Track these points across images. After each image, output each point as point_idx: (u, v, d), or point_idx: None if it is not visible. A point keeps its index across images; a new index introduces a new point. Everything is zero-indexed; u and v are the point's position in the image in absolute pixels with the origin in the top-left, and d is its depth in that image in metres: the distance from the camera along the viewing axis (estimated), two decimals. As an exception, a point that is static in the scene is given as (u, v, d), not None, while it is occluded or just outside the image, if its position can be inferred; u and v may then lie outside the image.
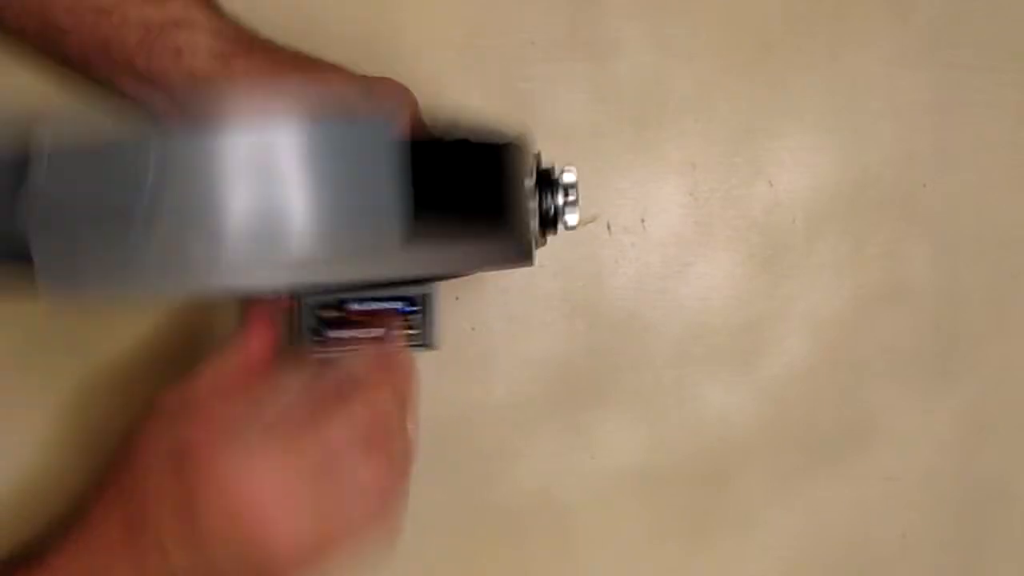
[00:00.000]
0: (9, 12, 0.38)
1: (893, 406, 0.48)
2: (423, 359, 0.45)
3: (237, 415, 0.32)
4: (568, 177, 0.35)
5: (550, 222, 0.35)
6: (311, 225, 0.22)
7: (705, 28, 0.47)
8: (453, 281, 0.45)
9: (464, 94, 0.46)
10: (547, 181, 0.34)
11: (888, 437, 0.48)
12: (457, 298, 0.46)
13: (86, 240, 0.21)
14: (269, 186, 0.21)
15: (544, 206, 0.34)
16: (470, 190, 0.27)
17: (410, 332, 0.40)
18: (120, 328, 0.44)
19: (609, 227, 0.47)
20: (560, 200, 0.34)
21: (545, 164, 0.37)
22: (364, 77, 0.39)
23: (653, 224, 0.47)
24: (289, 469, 0.31)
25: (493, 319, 0.46)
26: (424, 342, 0.40)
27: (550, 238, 0.46)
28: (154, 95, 0.36)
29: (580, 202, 0.35)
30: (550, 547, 0.46)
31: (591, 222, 0.47)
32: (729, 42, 0.47)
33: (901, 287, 0.48)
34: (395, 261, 0.34)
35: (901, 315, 0.48)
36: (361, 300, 0.41)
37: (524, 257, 0.35)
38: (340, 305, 0.41)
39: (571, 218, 0.35)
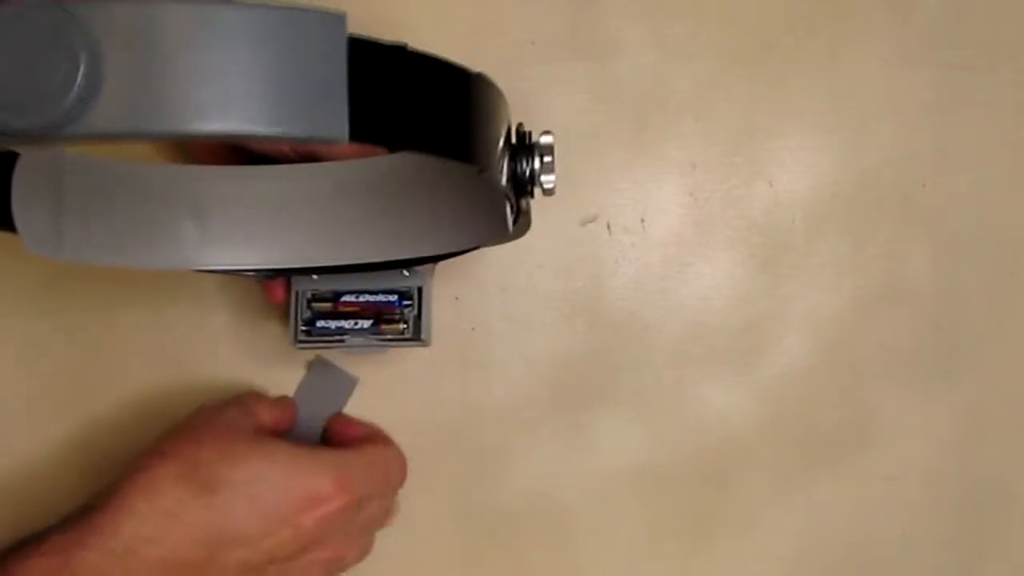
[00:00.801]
0: None
1: (893, 406, 0.48)
2: (423, 359, 0.45)
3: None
4: (545, 139, 0.34)
5: (525, 185, 0.33)
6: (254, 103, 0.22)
7: (705, 28, 0.47)
8: (453, 281, 0.45)
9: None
10: (522, 144, 0.33)
11: (888, 437, 0.48)
12: (457, 298, 0.46)
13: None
14: (208, 55, 0.21)
15: (520, 169, 0.33)
16: (431, 105, 0.26)
17: (402, 327, 0.41)
18: (120, 328, 0.45)
19: (609, 227, 0.47)
20: (536, 163, 0.33)
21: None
22: None
23: (653, 224, 0.47)
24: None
25: (493, 319, 0.46)
26: (415, 336, 0.40)
27: (550, 239, 0.46)
28: None
29: (556, 168, 0.34)
30: (550, 547, 0.46)
31: (591, 222, 0.47)
32: (729, 42, 0.47)
33: (901, 287, 0.48)
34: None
35: (901, 315, 0.48)
36: (355, 292, 0.41)
37: (500, 224, 0.35)
38: (334, 298, 0.41)
39: (547, 180, 0.33)
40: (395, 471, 0.42)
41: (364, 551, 0.41)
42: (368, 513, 0.39)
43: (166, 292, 0.45)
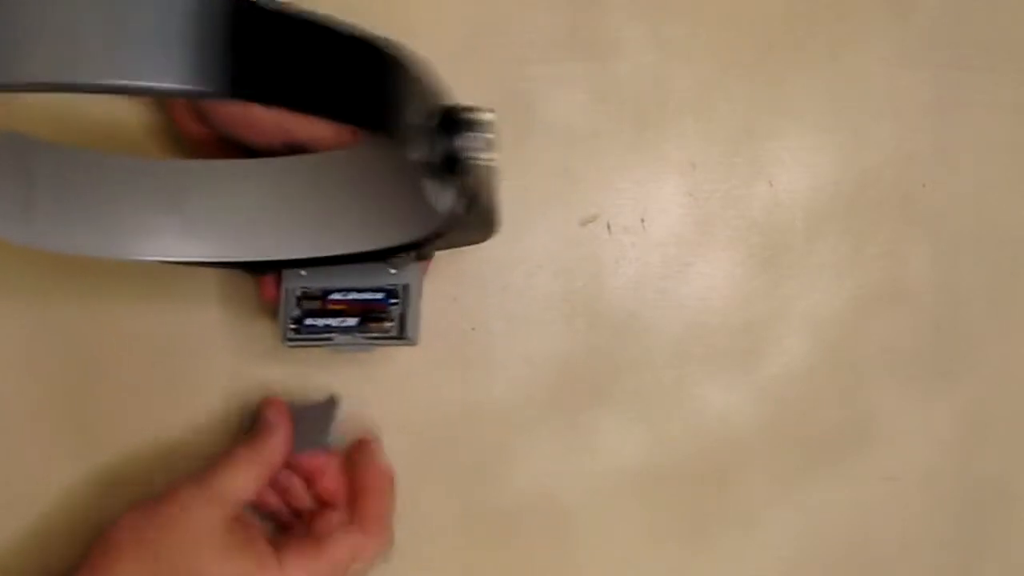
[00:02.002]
0: None
1: (893, 406, 0.48)
2: (423, 359, 0.45)
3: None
4: (479, 115, 0.31)
5: (451, 164, 0.31)
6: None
7: (705, 28, 0.47)
8: (452, 281, 0.45)
9: (464, 94, 0.46)
10: (450, 120, 0.31)
11: (888, 437, 0.48)
12: (457, 298, 0.46)
13: None
14: None
15: (446, 147, 0.31)
16: (320, 67, 0.25)
17: (388, 325, 0.40)
18: (115, 325, 0.44)
19: (609, 227, 0.47)
20: (466, 140, 0.31)
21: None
22: None
23: (653, 224, 0.47)
24: None
25: (493, 319, 0.46)
26: (401, 335, 0.40)
27: (550, 239, 0.46)
28: None
29: (495, 144, 0.32)
30: (550, 547, 0.46)
31: (591, 222, 0.47)
32: (729, 42, 0.47)
33: (901, 287, 0.48)
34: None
35: (901, 315, 0.48)
36: (343, 290, 0.41)
37: (424, 215, 0.33)
38: (323, 295, 0.41)
39: (482, 156, 0.31)
40: (370, 552, 0.40)
41: None
42: None
43: (161, 288, 0.44)
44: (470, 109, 0.32)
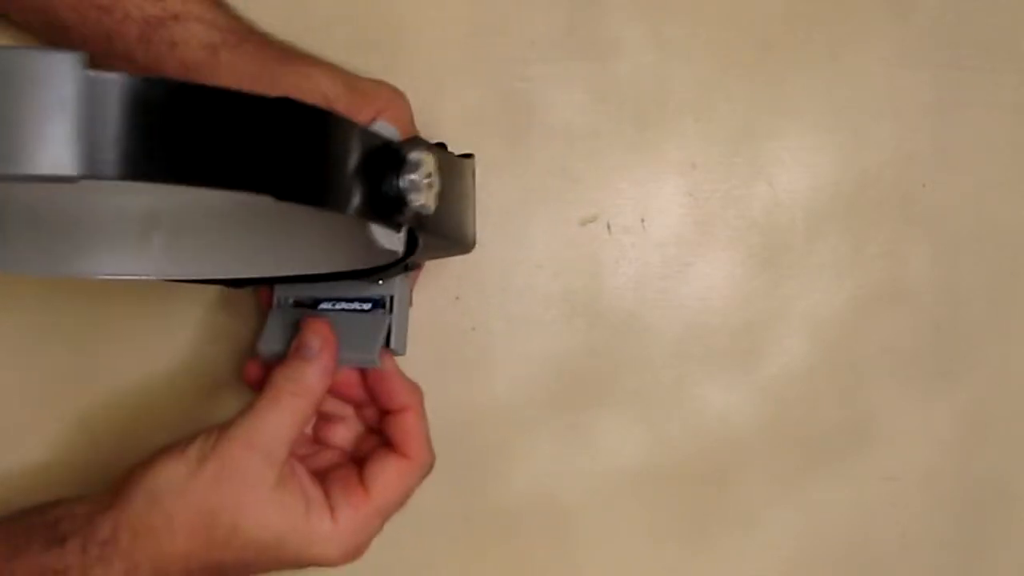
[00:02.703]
0: (14, 7, 0.38)
1: (893, 406, 0.48)
2: (423, 359, 0.45)
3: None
4: (414, 156, 0.31)
5: (390, 206, 0.31)
6: None
7: (705, 28, 0.47)
8: (452, 281, 0.45)
9: (463, 94, 0.46)
10: (388, 158, 0.31)
11: (888, 437, 0.48)
12: (457, 298, 0.46)
13: None
14: None
15: (384, 188, 0.30)
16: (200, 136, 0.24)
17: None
18: (114, 328, 0.45)
19: (609, 227, 0.47)
20: (405, 180, 0.30)
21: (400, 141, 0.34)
22: (353, 76, 0.39)
23: (653, 224, 0.47)
24: None
25: (493, 319, 0.46)
26: (389, 345, 0.39)
27: (550, 239, 0.46)
28: None
29: (435, 184, 0.31)
30: (550, 547, 0.46)
31: (591, 222, 0.47)
32: (729, 42, 0.47)
33: (901, 287, 0.48)
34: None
35: (901, 315, 0.48)
36: (332, 300, 0.40)
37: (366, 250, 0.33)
38: (313, 304, 0.40)
39: (418, 199, 0.30)
40: (416, 478, 0.39)
41: None
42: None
43: (162, 292, 0.44)
44: (398, 147, 0.31)
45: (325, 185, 0.28)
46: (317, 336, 0.37)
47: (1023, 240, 0.49)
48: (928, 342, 0.48)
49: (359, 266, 0.36)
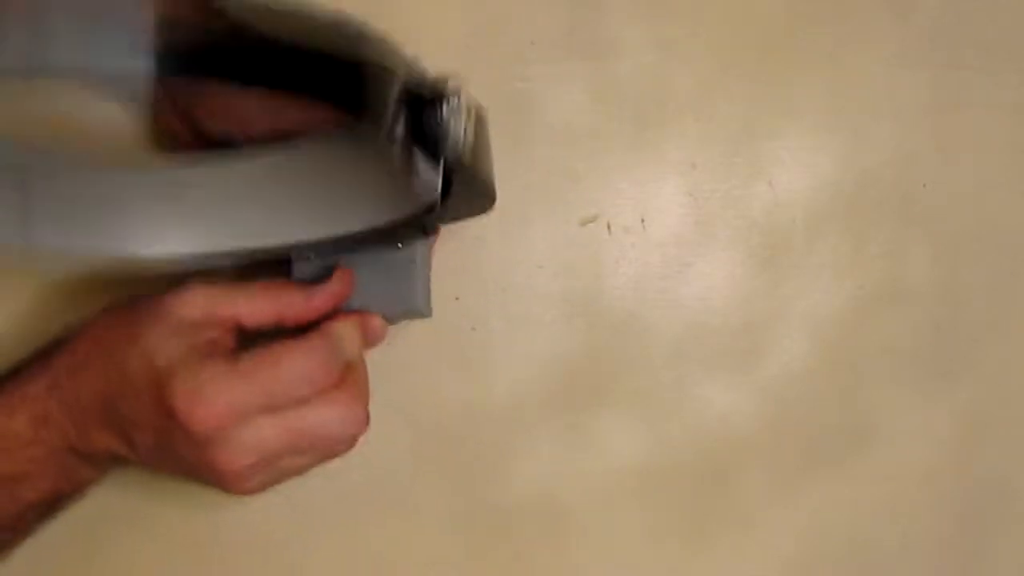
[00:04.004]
0: None
1: (893, 406, 0.48)
2: (423, 358, 0.45)
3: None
4: (454, 84, 0.31)
5: (431, 145, 0.31)
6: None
7: (705, 28, 0.47)
8: (453, 281, 0.45)
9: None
10: (420, 101, 0.31)
11: (888, 437, 0.48)
12: (457, 298, 0.46)
13: None
14: None
15: (426, 116, 0.31)
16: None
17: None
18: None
19: (609, 227, 0.47)
20: (447, 108, 0.31)
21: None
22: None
23: (653, 224, 0.47)
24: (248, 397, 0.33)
25: (493, 319, 0.46)
26: (413, 307, 0.39)
27: (550, 239, 0.46)
28: None
29: (472, 116, 0.31)
30: (550, 547, 0.46)
31: (591, 222, 0.47)
32: (729, 42, 0.47)
33: (901, 287, 0.48)
34: None
35: (901, 315, 0.48)
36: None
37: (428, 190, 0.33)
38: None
39: (458, 127, 0.31)
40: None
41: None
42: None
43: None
44: (434, 81, 0.32)
45: (376, 108, 0.28)
46: (337, 278, 0.37)
47: (1023, 240, 0.49)
48: (928, 342, 0.48)
49: (393, 217, 0.35)
